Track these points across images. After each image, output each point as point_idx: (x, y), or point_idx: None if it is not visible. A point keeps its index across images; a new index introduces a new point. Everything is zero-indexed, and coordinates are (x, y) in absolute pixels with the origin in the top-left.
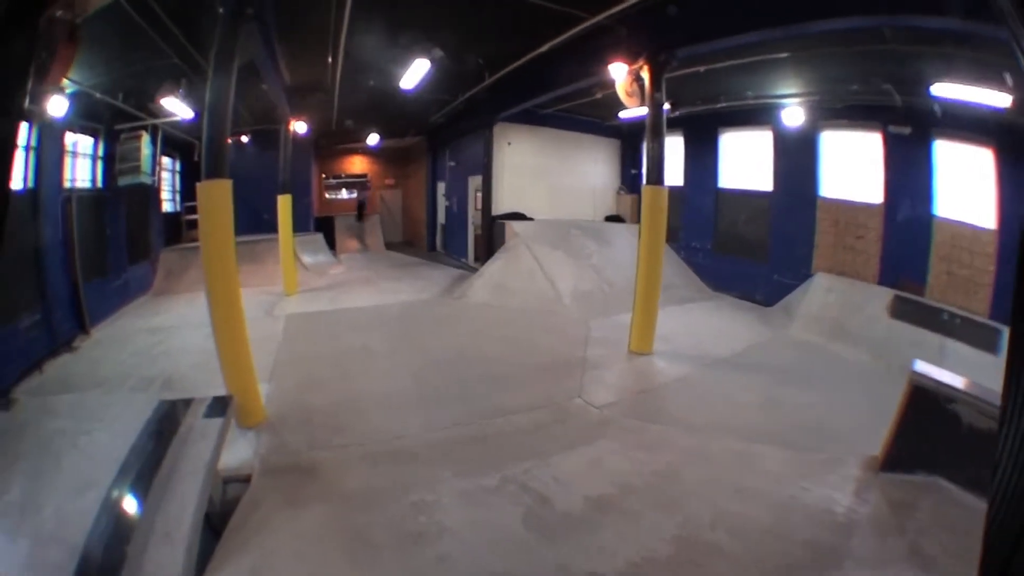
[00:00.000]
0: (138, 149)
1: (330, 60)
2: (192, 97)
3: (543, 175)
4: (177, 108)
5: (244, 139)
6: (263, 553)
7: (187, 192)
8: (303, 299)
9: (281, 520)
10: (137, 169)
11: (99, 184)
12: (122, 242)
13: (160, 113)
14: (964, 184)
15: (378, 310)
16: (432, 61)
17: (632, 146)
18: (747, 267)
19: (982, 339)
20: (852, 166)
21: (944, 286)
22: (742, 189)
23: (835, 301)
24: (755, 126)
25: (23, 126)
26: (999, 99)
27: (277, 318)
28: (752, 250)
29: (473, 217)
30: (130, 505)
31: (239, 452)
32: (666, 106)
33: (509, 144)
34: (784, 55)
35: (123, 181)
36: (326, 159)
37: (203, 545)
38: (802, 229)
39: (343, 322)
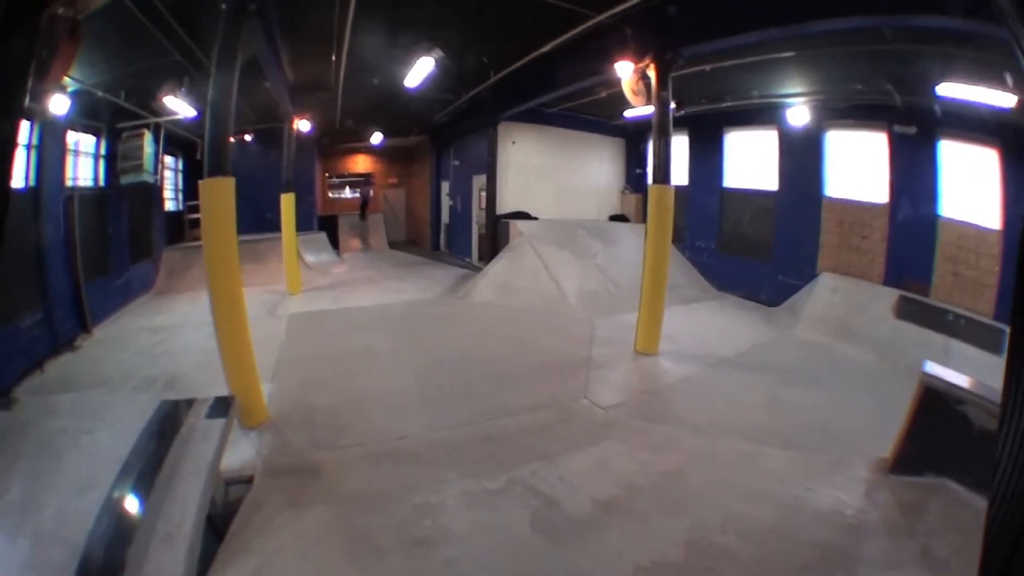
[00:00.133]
0: (140, 147)
1: (333, 58)
2: (194, 95)
3: (547, 174)
4: (179, 106)
5: (247, 138)
6: (266, 555)
7: (190, 191)
8: (306, 298)
9: (284, 522)
10: (139, 168)
11: (101, 183)
12: (124, 241)
13: (162, 111)
14: (969, 184)
15: (381, 309)
16: (436, 59)
17: (637, 145)
18: (751, 267)
19: (987, 340)
20: (857, 166)
21: (949, 287)
22: (747, 189)
23: (840, 301)
24: (760, 125)
25: (25, 124)
26: (1004, 99)
27: (280, 317)
28: (757, 250)
29: (477, 216)
30: (131, 506)
31: (241, 453)
32: (671, 105)
33: (513, 143)
34: (789, 54)
35: (125, 180)
36: (330, 158)
37: (205, 547)
38: (807, 229)
39: (346, 321)
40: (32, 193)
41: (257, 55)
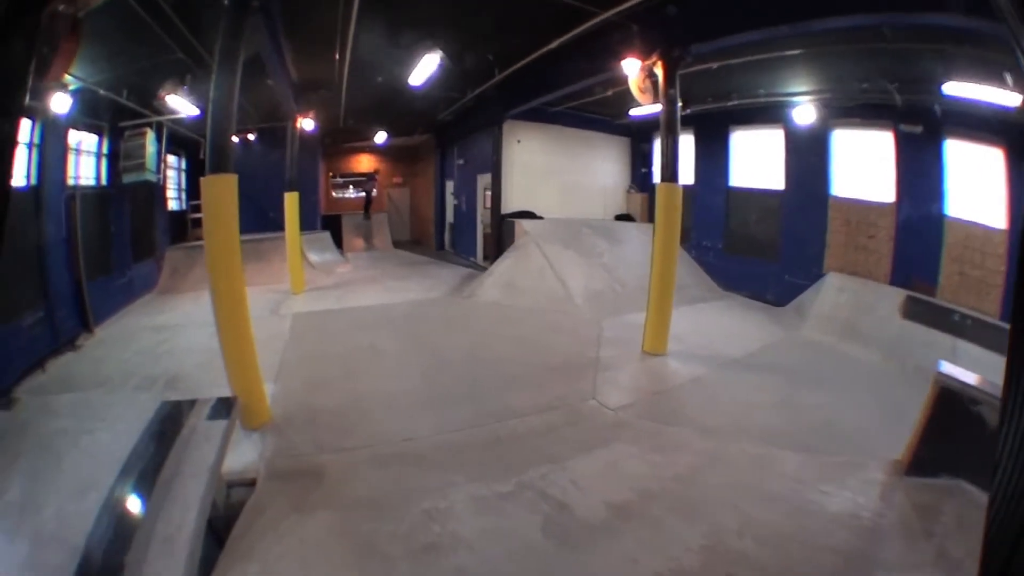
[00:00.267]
0: (143, 146)
1: (337, 56)
2: (197, 93)
3: (553, 173)
4: (182, 105)
5: (251, 137)
6: (268, 562)
7: (193, 190)
8: (310, 298)
9: (287, 526)
10: (142, 167)
11: (103, 182)
12: (126, 240)
13: (165, 110)
14: (976, 184)
15: (386, 309)
16: (441, 57)
17: (642, 144)
18: (758, 267)
19: (993, 340)
20: (864, 165)
21: (956, 286)
22: (753, 188)
23: (847, 301)
24: (766, 124)
25: (26, 123)
26: (1009, 98)
27: (283, 317)
28: (763, 249)
29: (482, 216)
30: (130, 510)
31: (243, 455)
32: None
33: (519, 142)
34: (796, 52)
35: (128, 179)
36: (333, 157)
37: (206, 552)
38: (813, 228)
39: (350, 321)
40: (34, 192)
41: (260, 52)
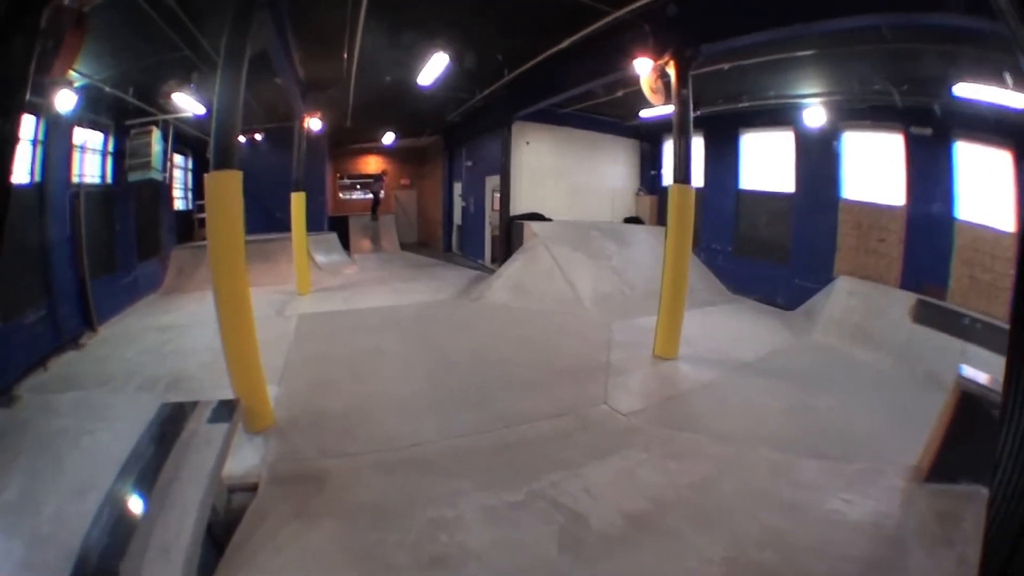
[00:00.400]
0: (148, 145)
1: (345, 55)
2: (203, 92)
3: (562, 175)
4: (188, 103)
5: (257, 137)
6: (269, 572)
7: (199, 190)
8: (316, 299)
9: (289, 534)
10: (147, 165)
11: (109, 180)
12: (131, 238)
13: (171, 108)
14: (986, 187)
15: (393, 311)
16: (450, 57)
17: (652, 146)
18: (768, 270)
19: (1003, 344)
20: (874, 167)
21: (966, 290)
22: (763, 190)
23: (857, 305)
24: (776, 126)
25: (30, 120)
26: (1018, 100)
27: (289, 318)
28: (773, 252)
29: (490, 218)
30: (127, 514)
31: (245, 459)
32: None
33: (527, 144)
34: (808, 52)
35: (133, 177)
36: (340, 158)
37: (204, 559)
38: (824, 231)
39: (357, 323)
40: (38, 189)
41: (267, 48)
